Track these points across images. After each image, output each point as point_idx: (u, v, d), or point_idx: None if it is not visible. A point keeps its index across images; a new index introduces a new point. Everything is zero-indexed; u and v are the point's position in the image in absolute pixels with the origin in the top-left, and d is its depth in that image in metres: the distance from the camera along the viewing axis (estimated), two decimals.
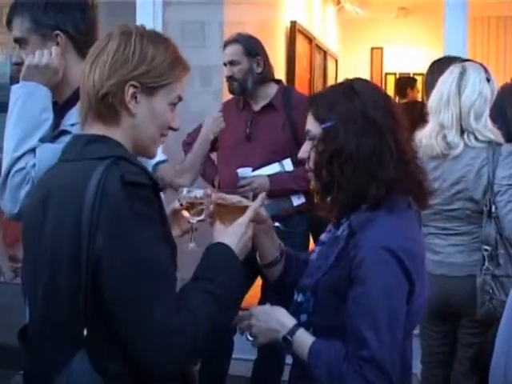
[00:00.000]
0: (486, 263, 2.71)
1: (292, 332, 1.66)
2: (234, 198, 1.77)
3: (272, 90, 3.49)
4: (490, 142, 2.73)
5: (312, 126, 1.72)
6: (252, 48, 3.44)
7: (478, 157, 2.73)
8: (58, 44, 2.04)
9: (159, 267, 1.43)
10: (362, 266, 1.57)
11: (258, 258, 1.90)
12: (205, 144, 3.05)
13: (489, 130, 2.75)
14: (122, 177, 1.42)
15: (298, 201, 3.40)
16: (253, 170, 3.34)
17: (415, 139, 2.85)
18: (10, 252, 4.53)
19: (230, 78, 3.45)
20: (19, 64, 2.08)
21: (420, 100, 7.60)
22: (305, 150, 1.74)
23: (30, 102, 2.00)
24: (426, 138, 2.81)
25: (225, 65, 3.48)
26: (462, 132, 2.75)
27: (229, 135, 3.43)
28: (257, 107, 3.48)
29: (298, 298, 1.72)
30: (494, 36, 8.61)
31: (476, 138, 2.74)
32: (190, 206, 1.76)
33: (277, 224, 3.30)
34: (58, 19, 2.03)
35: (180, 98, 1.62)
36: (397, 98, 7.76)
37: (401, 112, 1.73)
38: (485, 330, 2.85)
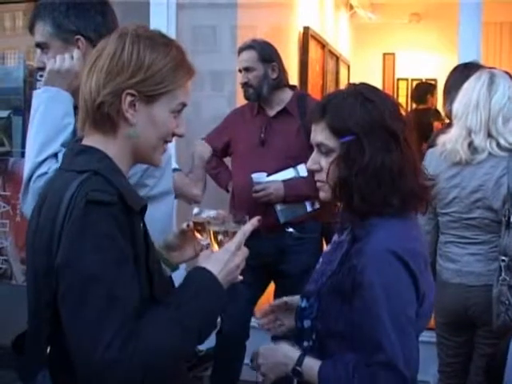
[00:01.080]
0: (503, 274, 2.69)
1: (299, 362, 1.65)
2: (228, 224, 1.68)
3: (287, 95, 3.50)
4: (510, 151, 2.72)
5: (325, 138, 1.67)
6: (267, 54, 3.45)
7: (498, 166, 2.72)
8: (78, 48, 2.05)
9: (110, 291, 1.33)
10: (366, 272, 1.55)
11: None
12: (202, 164, 3.18)
13: None
14: (86, 195, 1.37)
15: (312, 207, 3.39)
16: (267, 176, 3.34)
17: (438, 143, 2.85)
18: (21, 255, 4.55)
19: (245, 85, 3.46)
20: (41, 69, 2.10)
21: (433, 107, 7.62)
22: (315, 161, 1.71)
23: (52, 107, 2.01)
24: (451, 142, 2.79)
25: (240, 71, 3.49)
26: (488, 137, 2.73)
27: (243, 140, 3.43)
28: (271, 112, 3.48)
29: (303, 303, 1.72)
30: (506, 42, 8.57)
31: (499, 145, 2.72)
32: (202, 228, 1.70)
33: (291, 229, 3.30)
34: (80, 24, 2.04)
35: (184, 105, 1.54)
36: (412, 104, 7.77)
37: (410, 119, 1.73)
38: (502, 340, 2.84)
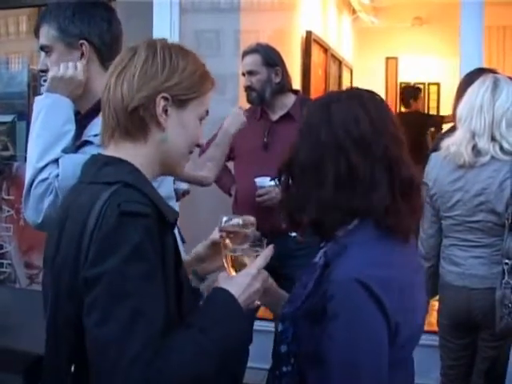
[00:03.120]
0: (506, 277, 2.69)
1: None
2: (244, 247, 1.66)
3: (290, 99, 3.50)
4: None
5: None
6: (271, 58, 3.45)
7: (501, 169, 2.73)
8: (82, 53, 2.06)
9: (138, 306, 1.31)
10: (333, 301, 1.47)
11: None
12: (226, 138, 3.06)
13: None
14: (118, 206, 1.35)
15: None
16: (270, 180, 3.34)
17: (442, 146, 2.86)
18: (25, 259, 4.57)
19: (248, 88, 3.46)
20: (44, 71, 2.12)
21: (423, 111, 7.70)
22: None
23: (53, 113, 2.02)
24: (455, 145, 2.80)
25: (243, 74, 3.49)
26: (491, 140, 2.75)
27: (246, 144, 3.43)
28: (274, 117, 3.48)
29: (279, 327, 1.63)
30: (509, 46, 8.57)
31: (502, 149, 2.73)
32: (234, 236, 1.68)
33: (293, 234, 3.30)
34: (84, 29, 2.06)
35: (207, 113, 1.56)
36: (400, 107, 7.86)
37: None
38: (506, 342, 2.84)
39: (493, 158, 2.74)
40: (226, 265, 1.61)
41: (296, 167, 1.61)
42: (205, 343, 1.38)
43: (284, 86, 3.48)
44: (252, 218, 1.74)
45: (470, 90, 2.85)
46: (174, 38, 4.16)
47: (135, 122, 1.47)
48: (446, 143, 2.85)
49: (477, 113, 2.76)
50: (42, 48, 2.11)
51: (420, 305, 1.64)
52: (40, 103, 2.05)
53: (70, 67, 2.04)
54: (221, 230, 1.69)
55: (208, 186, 3.11)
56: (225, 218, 1.73)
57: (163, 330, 1.33)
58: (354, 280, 1.45)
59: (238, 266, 1.58)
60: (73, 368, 1.41)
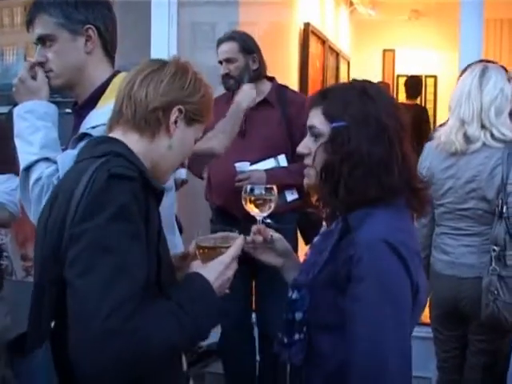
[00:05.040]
0: (493, 264, 2.71)
1: None
2: (218, 236, 1.71)
3: (266, 86, 3.50)
4: (505, 143, 2.73)
5: (319, 122, 1.67)
6: (247, 45, 3.45)
7: (492, 156, 2.74)
8: (89, 37, 2.03)
9: (120, 262, 1.36)
10: (361, 263, 1.52)
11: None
12: (237, 112, 3.05)
13: (508, 128, 2.76)
14: (108, 170, 1.43)
15: (291, 196, 3.40)
16: (250, 165, 3.34)
17: (435, 136, 2.87)
18: (21, 251, 4.56)
19: (225, 76, 3.45)
20: (42, 63, 2.07)
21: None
22: (306, 146, 1.70)
23: (18, 121, 2.06)
24: (445, 134, 2.83)
25: (220, 63, 3.48)
26: (482, 127, 2.76)
27: None
28: None
29: (293, 295, 1.67)
30: (506, 38, 8.57)
31: (493, 136, 2.74)
32: (261, 203, 1.81)
33: (268, 220, 3.29)
34: (89, 15, 2.03)
35: (197, 140, 1.72)
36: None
37: (408, 122, 1.72)
38: (494, 336, 2.85)
39: (484, 144, 2.75)
40: (199, 257, 1.65)
41: (356, 158, 1.61)
42: (181, 316, 1.43)
43: (261, 73, 3.48)
44: (274, 187, 1.83)
45: (461, 79, 2.87)
46: (171, 31, 4.16)
47: (151, 120, 1.59)
48: (439, 133, 2.88)
49: (465, 100, 2.78)
50: (41, 38, 2.05)
51: (425, 284, 1.67)
52: (13, 115, 2.10)
53: (23, 70, 2.07)
54: (198, 245, 1.68)
55: (217, 157, 3.07)
56: (249, 187, 1.84)
57: (143, 291, 1.38)
58: (382, 241, 1.53)
59: (211, 257, 1.62)
60: (52, 324, 1.47)
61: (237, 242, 1.64)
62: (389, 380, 1.48)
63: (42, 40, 2.05)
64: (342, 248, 1.59)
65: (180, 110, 1.61)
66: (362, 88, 1.69)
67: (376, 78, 8.72)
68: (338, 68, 7.97)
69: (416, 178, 1.71)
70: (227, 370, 3.61)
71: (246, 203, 1.85)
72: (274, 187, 1.86)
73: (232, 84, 3.44)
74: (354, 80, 1.79)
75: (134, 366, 1.36)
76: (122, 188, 1.42)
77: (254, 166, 3.35)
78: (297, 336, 1.64)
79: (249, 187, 1.86)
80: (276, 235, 1.80)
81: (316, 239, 1.80)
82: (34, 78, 2.07)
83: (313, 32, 6.42)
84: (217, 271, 1.56)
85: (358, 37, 9.22)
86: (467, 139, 2.76)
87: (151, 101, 1.58)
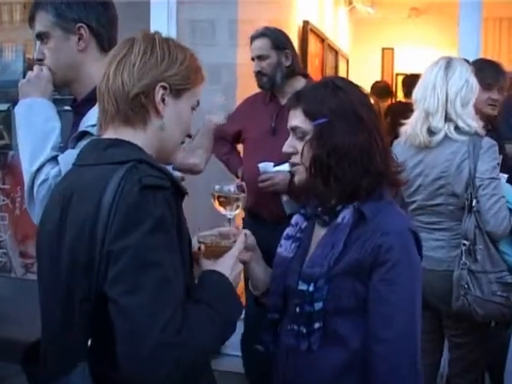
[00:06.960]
0: (464, 258, 2.72)
1: None
2: (214, 232, 1.75)
3: (300, 83, 3.39)
4: (470, 135, 2.73)
5: (301, 122, 1.77)
6: (280, 41, 3.41)
7: (458, 151, 2.73)
8: (81, 36, 2.04)
9: (165, 276, 1.36)
10: (393, 251, 1.67)
11: (251, 288, 1.94)
12: (209, 128, 3.12)
13: (473, 119, 2.76)
14: (139, 180, 1.39)
15: None
16: (275, 165, 3.27)
17: (402, 131, 2.87)
18: (20, 248, 4.56)
19: (258, 73, 3.42)
20: (41, 60, 2.09)
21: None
22: (291, 145, 1.81)
23: (30, 115, 2.04)
24: (410, 126, 2.83)
25: (252, 59, 3.44)
26: (446, 120, 2.76)
27: (254, 129, 3.41)
28: (284, 101, 3.38)
29: (310, 287, 1.73)
30: (506, 37, 8.55)
31: (457, 128, 2.74)
32: (226, 201, 1.78)
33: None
34: (81, 13, 2.04)
35: (198, 103, 1.64)
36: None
37: (380, 110, 1.83)
38: (469, 329, 2.88)
39: (447, 137, 2.75)
40: (202, 253, 1.68)
41: (341, 150, 1.72)
42: (215, 317, 1.46)
43: (294, 70, 3.44)
44: (243, 183, 1.82)
45: (425, 72, 2.88)
46: (171, 28, 4.16)
47: (136, 108, 1.52)
48: (405, 127, 2.87)
49: (430, 92, 2.78)
50: (39, 35, 2.07)
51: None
52: (17, 113, 2.07)
53: (35, 69, 2.06)
54: (199, 242, 1.70)
55: (199, 173, 3.10)
56: (217, 187, 1.80)
57: (184, 301, 1.40)
58: (407, 229, 1.73)
59: (214, 252, 1.66)
60: (89, 342, 1.45)
61: (241, 237, 1.69)
62: (418, 354, 1.69)
63: (40, 37, 2.08)
64: (358, 237, 1.71)
65: (163, 87, 1.53)
66: (332, 84, 1.79)
67: (375, 76, 8.73)
68: (336, 66, 7.97)
69: (393, 161, 1.84)
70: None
71: (213, 201, 1.83)
72: (244, 184, 1.84)
73: (266, 82, 3.41)
74: (324, 77, 1.88)
75: (191, 373, 1.39)
76: (157, 200, 1.39)
77: (281, 167, 3.22)
78: (317, 325, 1.73)
79: (217, 186, 1.82)
80: (246, 231, 1.81)
81: (289, 233, 1.89)
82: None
83: (312, 30, 6.42)
84: (229, 266, 1.60)
85: (357, 35, 9.22)
86: (430, 132, 2.76)
87: (130, 89, 1.51)
